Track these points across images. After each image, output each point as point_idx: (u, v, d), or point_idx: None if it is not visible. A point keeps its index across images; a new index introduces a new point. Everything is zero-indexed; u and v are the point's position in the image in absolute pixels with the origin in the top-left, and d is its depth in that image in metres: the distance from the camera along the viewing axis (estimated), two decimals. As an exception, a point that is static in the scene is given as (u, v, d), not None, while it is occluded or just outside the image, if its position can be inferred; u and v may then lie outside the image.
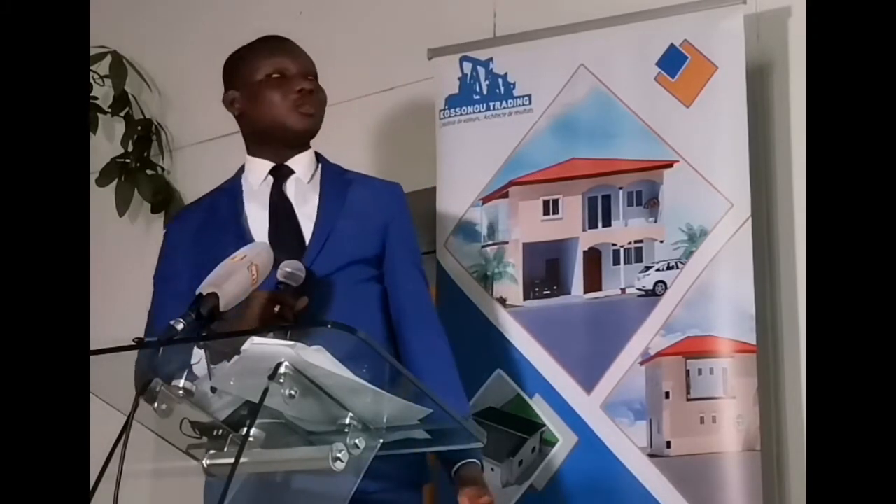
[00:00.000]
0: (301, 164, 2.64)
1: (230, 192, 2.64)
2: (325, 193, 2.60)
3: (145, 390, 1.93)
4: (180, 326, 1.99)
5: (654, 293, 2.97)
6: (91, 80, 4.10)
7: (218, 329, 2.06)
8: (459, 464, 2.46)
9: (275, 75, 2.60)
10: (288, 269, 2.38)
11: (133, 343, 1.98)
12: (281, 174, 2.62)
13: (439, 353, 2.55)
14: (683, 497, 2.82)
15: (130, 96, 4.17)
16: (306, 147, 2.66)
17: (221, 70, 2.73)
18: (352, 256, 2.53)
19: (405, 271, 2.60)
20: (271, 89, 2.59)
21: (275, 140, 2.61)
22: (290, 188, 2.61)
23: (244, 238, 2.50)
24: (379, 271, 2.58)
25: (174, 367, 1.96)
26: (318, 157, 2.69)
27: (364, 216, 2.59)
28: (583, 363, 2.97)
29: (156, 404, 1.97)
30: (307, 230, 2.55)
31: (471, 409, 2.79)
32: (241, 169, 2.67)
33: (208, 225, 2.60)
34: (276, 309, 2.35)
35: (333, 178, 2.65)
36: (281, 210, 2.58)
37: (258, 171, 2.62)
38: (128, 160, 4.13)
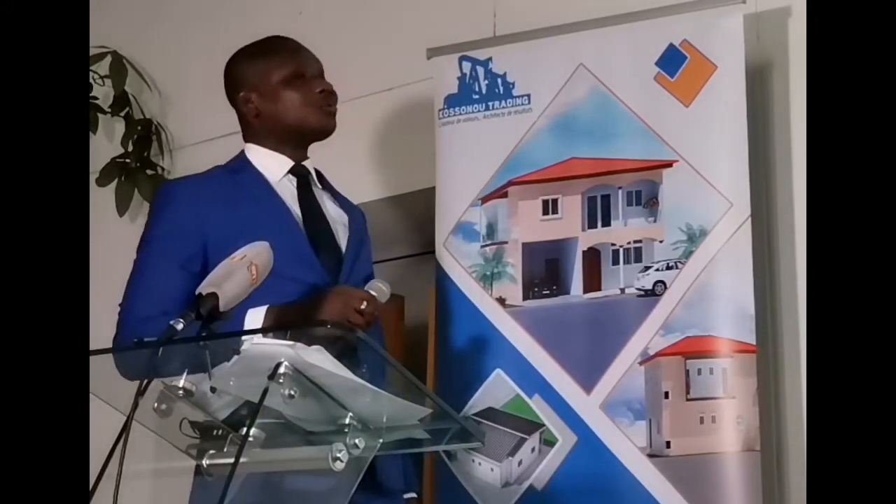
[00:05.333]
0: (309, 167, 2.67)
1: (247, 171, 2.61)
2: (343, 205, 2.66)
3: (145, 390, 1.93)
4: (180, 326, 1.99)
5: (653, 293, 2.96)
6: (91, 80, 4.10)
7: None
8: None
9: (293, 77, 2.62)
10: (380, 286, 2.42)
11: (133, 343, 1.98)
12: (301, 174, 2.64)
13: None
14: (683, 497, 2.81)
15: (130, 96, 4.18)
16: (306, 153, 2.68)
17: (222, 70, 2.73)
18: (366, 272, 2.60)
19: None
20: (292, 90, 2.61)
21: (295, 139, 2.63)
22: (315, 191, 2.65)
23: (283, 210, 2.54)
24: None
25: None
26: None
27: (363, 233, 2.67)
28: (582, 363, 2.97)
29: (155, 404, 1.97)
30: (340, 240, 2.59)
31: (471, 410, 2.81)
32: (244, 155, 2.65)
33: (234, 197, 2.55)
34: (363, 305, 2.36)
35: (332, 189, 2.70)
36: (316, 212, 2.60)
37: (278, 166, 2.62)
38: (128, 160, 4.13)
